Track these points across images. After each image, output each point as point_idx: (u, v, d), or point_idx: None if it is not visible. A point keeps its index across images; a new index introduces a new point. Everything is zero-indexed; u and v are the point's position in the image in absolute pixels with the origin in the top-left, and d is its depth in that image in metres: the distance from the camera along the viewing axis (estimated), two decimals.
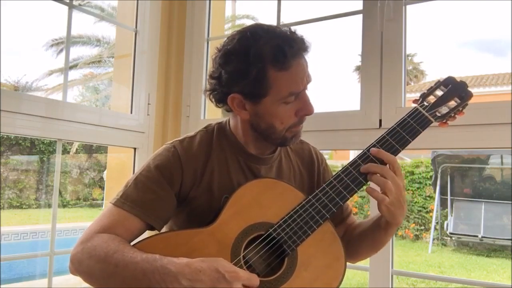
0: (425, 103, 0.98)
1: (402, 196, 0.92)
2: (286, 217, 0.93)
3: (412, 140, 0.95)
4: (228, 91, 0.97)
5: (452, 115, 0.97)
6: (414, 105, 0.99)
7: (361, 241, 1.04)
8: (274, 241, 0.92)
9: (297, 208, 0.94)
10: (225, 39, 1.00)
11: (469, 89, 0.99)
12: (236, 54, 0.95)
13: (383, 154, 0.93)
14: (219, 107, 1.05)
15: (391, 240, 1.56)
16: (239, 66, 0.94)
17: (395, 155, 0.95)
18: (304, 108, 0.98)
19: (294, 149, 1.15)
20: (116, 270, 0.82)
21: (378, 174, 0.92)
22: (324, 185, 0.95)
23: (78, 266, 0.88)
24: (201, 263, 0.80)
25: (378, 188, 0.92)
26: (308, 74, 0.98)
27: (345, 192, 0.93)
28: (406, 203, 0.94)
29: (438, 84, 0.99)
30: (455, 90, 0.98)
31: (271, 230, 0.92)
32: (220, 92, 1.00)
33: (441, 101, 0.97)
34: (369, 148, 0.96)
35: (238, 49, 0.95)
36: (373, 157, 0.94)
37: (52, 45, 11.74)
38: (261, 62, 0.92)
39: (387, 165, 0.93)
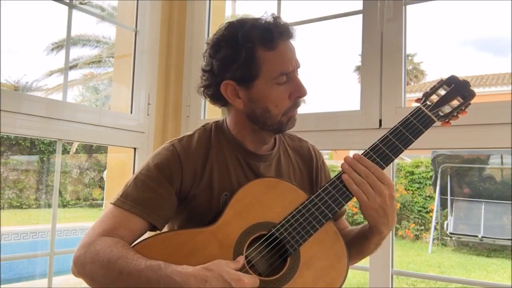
0: (428, 102, 0.98)
1: (387, 205, 0.90)
2: (289, 217, 0.93)
3: (415, 139, 0.95)
4: (221, 80, 0.99)
5: (455, 114, 0.97)
6: (416, 104, 0.98)
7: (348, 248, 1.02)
8: (277, 241, 0.92)
9: (300, 208, 0.93)
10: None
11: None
12: (225, 41, 0.98)
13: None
14: (214, 103, 1.06)
15: (391, 240, 1.56)
16: (229, 51, 0.96)
17: (398, 155, 0.95)
18: (297, 90, 0.99)
19: (293, 146, 1.15)
20: (119, 277, 0.82)
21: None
22: (326, 185, 0.94)
23: (81, 269, 0.88)
24: (207, 272, 0.80)
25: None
26: (296, 59, 1.00)
27: (348, 192, 0.93)
28: (394, 214, 0.93)
29: (441, 83, 0.99)
30: (458, 90, 0.97)
31: (273, 230, 0.92)
32: (213, 85, 1.01)
33: (444, 100, 0.97)
34: (369, 148, 0.95)
35: (226, 36, 0.98)
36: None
37: (52, 49, 11.76)
38: (250, 43, 0.95)
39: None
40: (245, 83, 0.97)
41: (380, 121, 1.59)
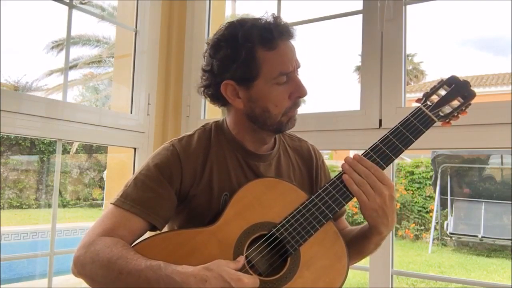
0: (428, 102, 0.97)
1: (386, 206, 0.91)
2: (289, 217, 0.93)
3: (415, 140, 0.95)
4: (221, 80, 0.98)
5: (455, 114, 0.97)
6: (417, 104, 0.98)
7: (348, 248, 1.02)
8: (277, 241, 0.92)
9: (300, 208, 0.93)
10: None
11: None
12: (225, 41, 0.98)
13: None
14: (213, 103, 1.06)
15: (391, 240, 1.56)
16: (229, 50, 0.96)
17: (399, 155, 0.95)
18: (297, 90, 0.99)
19: (293, 146, 1.15)
20: (119, 277, 0.82)
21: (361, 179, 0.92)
22: (327, 185, 0.94)
23: (81, 270, 0.88)
24: (207, 271, 0.80)
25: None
26: (296, 59, 1.00)
27: (348, 192, 0.93)
28: (393, 215, 0.93)
29: (441, 84, 0.99)
30: (458, 90, 0.97)
31: (274, 230, 0.92)
32: (213, 84, 1.01)
33: (444, 100, 0.97)
34: (370, 149, 0.95)
35: (226, 35, 0.98)
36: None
37: (52, 47, 11.77)
38: (250, 43, 0.95)
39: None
40: (245, 83, 0.97)
41: (380, 121, 1.59)
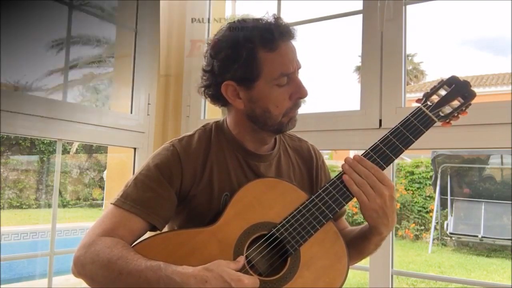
0: (428, 102, 0.98)
1: (387, 206, 0.91)
2: (289, 217, 0.93)
3: (416, 140, 0.95)
4: (222, 80, 0.98)
5: (455, 115, 0.97)
6: (417, 104, 0.98)
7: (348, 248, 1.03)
8: (277, 241, 0.92)
9: (300, 208, 0.94)
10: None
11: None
12: (226, 41, 0.97)
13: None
14: (214, 103, 1.06)
15: (391, 240, 1.56)
16: (230, 51, 0.96)
17: (399, 155, 0.95)
18: (297, 91, 0.99)
19: (293, 146, 1.15)
20: (119, 277, 0.82)
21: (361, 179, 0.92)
22: (327, 185, 0.94)
23: (81, 270, 0.88)
24: (207, 272, 0.80)
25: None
26: (297, 60, 1.00)
27: (348, 192, 0.93)
28: (393, 215, 0.93)
29: (442, 84, 0.99)
30: (459, 90, 0.97)
31: (274, 230, 0.92)
32: (214, 85, 1.01)
33: (444, 100, 0.97)
34: (370, 149, 0.95)
35: (227, 36, 0.98)
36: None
37: (52, 46, 11.75)
38: (251, 43, 0.95)
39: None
40: (245, 84, 0.97)
41: (380, 121, 1.59)
